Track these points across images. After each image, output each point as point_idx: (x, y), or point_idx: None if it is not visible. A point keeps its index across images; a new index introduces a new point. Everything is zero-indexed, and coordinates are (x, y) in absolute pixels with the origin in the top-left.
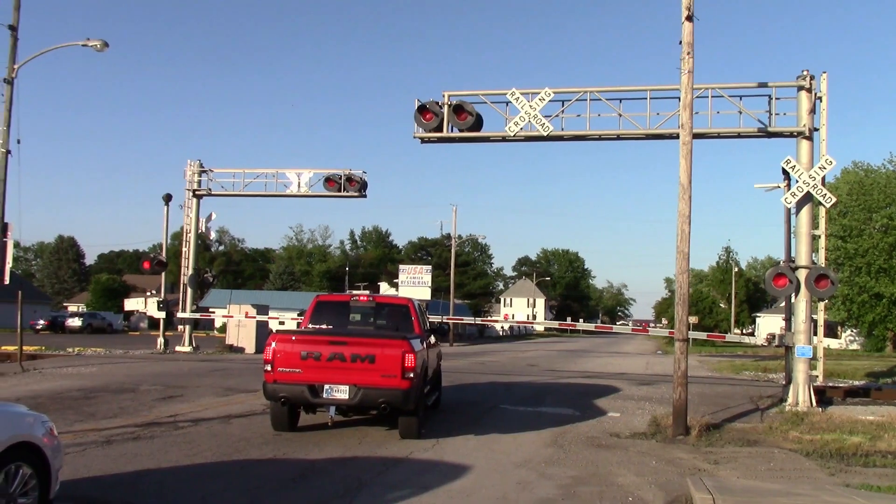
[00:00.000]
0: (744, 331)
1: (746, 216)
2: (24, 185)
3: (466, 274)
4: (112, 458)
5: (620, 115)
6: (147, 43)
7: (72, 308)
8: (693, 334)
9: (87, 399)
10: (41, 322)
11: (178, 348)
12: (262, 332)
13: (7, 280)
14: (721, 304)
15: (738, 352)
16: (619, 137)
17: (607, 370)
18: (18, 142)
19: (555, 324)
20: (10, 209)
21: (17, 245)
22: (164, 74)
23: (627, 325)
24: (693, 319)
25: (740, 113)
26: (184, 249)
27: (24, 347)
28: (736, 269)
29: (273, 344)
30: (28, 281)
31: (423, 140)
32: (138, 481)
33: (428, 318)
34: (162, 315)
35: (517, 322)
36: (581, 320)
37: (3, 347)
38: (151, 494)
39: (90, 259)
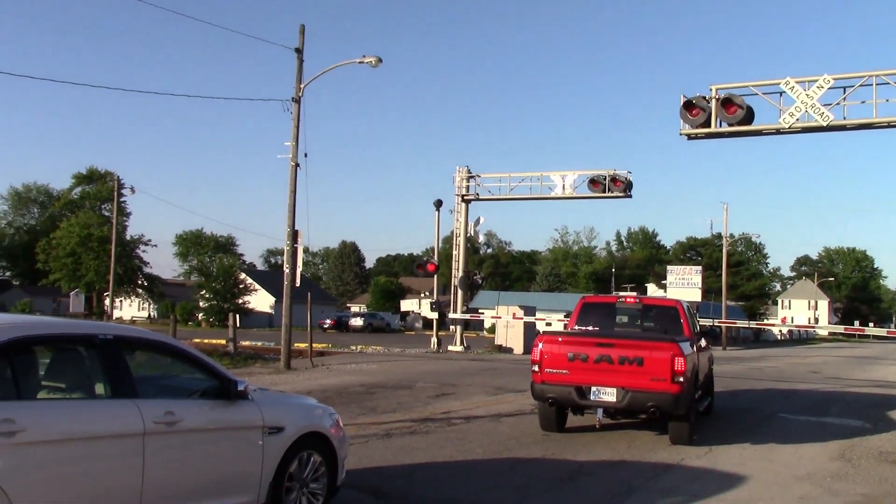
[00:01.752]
0: None
1: None
2: (311, 195)
3: (739, 275)
4: (391, 450)
5: None
6: (415, 57)
7: (354, 308)
8: None
9: (368, 394)
10: (328, 321)
11: (450, 347)
12: (530, 332)
13: (298, 283)
14: None
15: None
16: None
17: None
18: (305, 155)
19: (840, 328)
20: (300, 217)
21: (306, 250)
22: (433, 86)
23: None
24: None
25: None
26: (454, 253)
27: (314, 345)
28: None
29: (540, 345)
30: (316, 283)
31: (689, 137)
32: (414, 473)
33: (698, 320)
34: (435, 315)
35: (796, 326)
36: (871, 324)
37: (296, 344)
38: (427, 486)
39: (370, 262)
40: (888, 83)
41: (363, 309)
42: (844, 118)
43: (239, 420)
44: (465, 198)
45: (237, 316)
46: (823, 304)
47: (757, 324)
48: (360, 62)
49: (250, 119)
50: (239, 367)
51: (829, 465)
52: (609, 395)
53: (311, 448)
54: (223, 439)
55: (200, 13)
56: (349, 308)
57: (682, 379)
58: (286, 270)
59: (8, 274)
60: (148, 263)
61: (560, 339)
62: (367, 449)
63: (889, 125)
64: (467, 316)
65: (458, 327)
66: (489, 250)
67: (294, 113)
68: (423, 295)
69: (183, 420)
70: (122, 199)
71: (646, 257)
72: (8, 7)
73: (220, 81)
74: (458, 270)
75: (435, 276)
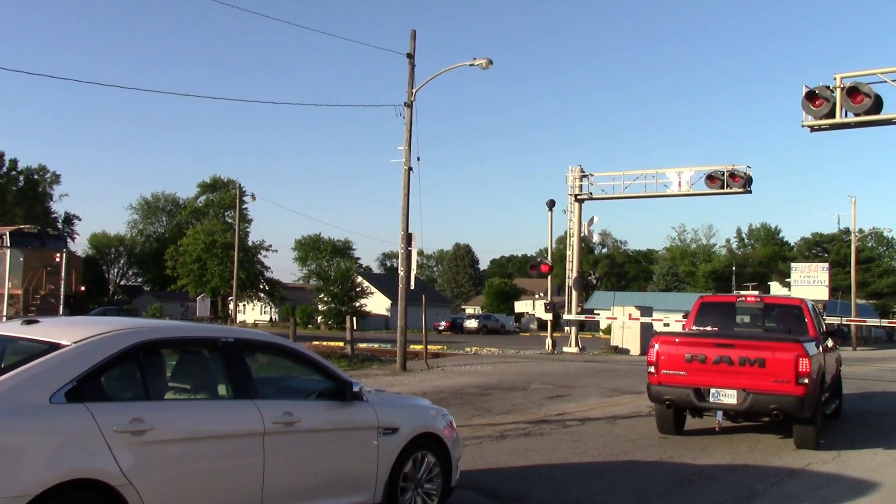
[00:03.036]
0: None
1: None
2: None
3: (870, 271)
4: (505, 451)
5: None
6: (524, 57)
7: (468, 310)
8: None
9: (482, 395)
10: (443, 323)
11: (565, 349)
12: (647, 333)
13: (413, 285)
14: None
15: None
16: None
17: None
18: (418, 159)
19: None
20: (413, 220)
21: (420, 253)
22: (544, 85)
23: None
24: None
25: None
26: (568, 253)
27: (429, 346)
28: None
29: (656, 346)
30: (430, 286)
31: (812, 128)
32: (529, 475)
33: (824, 319)
34: (549, 317)
35: None
36: None
37: (411, 346)
38: (542, 488)
39: (483, 264)
40: None
41: (478, 311)
42: None
43: (354, 420)
44: (579, 197)
45: (354, 318)
46: None
47: (889, 322)
48: (470, 64)
49: (365, 124)
50: (356, 368)
51: None
52: (729, 397)
53: (425, 449)
54: (339, 439)
55: (312, 21)
56: (464, 310)
57: (806, 380)
58: (401, 273)
59: (139, 280)
60: (269, 268)
61: (677, 340)
62: (481, 450)
63: None
64: (582, 317)
65: (573, 328)
66: (604, 250)
67: (406, 117)
68: (537, 296)
69: (301, 420)
70: (243, 206)
71: (768, 255)
72: (133, 28)
73: (334, 88)
74: (571, 271)
75: (549, 277)
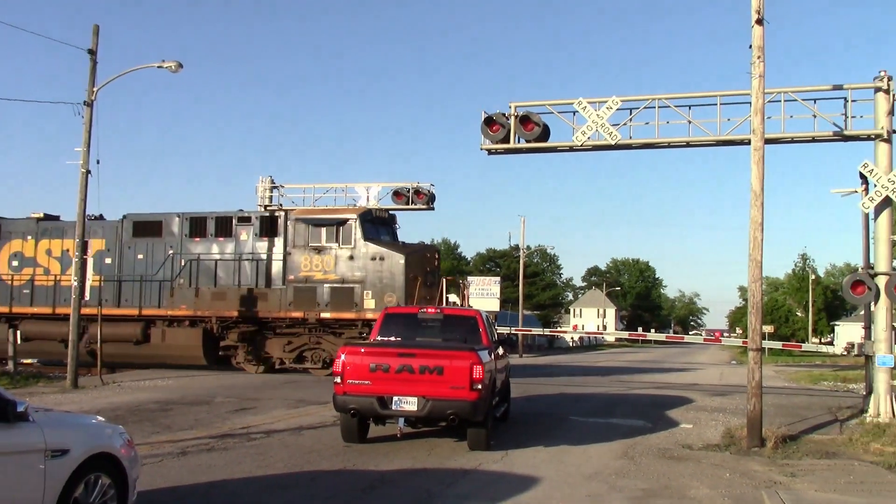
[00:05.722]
0: (822, 340)
1: (823, 222)
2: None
3: (535, 285)
4: (187, 468)
5: (690, 122)
6: (215, 63)
7: None
8: (768, 344)
9: (163, 411)
10: None
11: None
12: None
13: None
14: (798, 313)
15: (816, 361)
16: (688, 144)
17: (679, 381)
18: (98, 162)
19: (625, 334)
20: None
21: None
22: (235, 93)
23: (700, 335)
24: (769, 329)
25: (814, 116)
26: None
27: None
28: (813, 277)
29: (343, 356)
30: None
31: (490, 151)
32: (212, 491)
33: (496, 329)
34: None
35: (587, 333)
36: (652, 330)
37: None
38: None
39: None
40: (669, 106)
41: None
42: (631, 137)
43: (18, 444)
44: (269, 208)
45: (17, 332)
46: (611, 312)
47: (551, 331)
48: (159, 66)
49: (44, 124)
50: (20, 387)
51: (613, 463)
52: (411, 404)
53: (99, 470)
54: (1, 465)
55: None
56: None
57: (480, 386)
58: (74, 283)
59: None
60: None
61: (362, 350)
62: (161, 468)
63: (669, 145)
64: None
65: None
66: None
67: (86, 117)
68: None
69: None
70: None
71: (448, 268)
72: None
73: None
74: None
75: None
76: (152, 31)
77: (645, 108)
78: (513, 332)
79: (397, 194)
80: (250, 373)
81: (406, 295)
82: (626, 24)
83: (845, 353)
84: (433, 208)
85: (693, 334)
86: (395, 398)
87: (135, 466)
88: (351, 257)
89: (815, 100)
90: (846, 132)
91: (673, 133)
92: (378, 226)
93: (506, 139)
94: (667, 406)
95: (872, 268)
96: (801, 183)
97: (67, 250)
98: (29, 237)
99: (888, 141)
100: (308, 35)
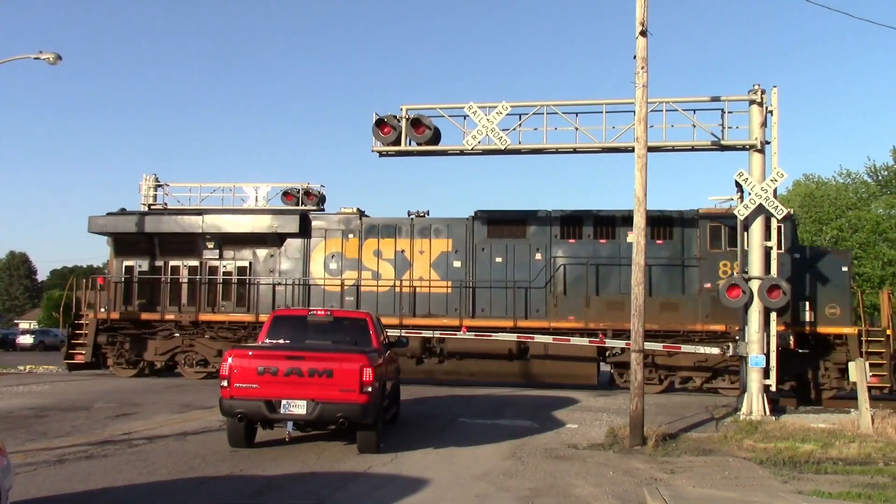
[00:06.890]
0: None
1: None
2: None
3: None
4: (64, 477)
5: (577, 129)
6: (99, 55)
7: (23, 325)
8: (649, 345)
9: (38, 417)
10: None
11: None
12: None
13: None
14: None
15: None
16: (575, 151)
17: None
18: None
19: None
20: None
21: None
22: (120, 86)
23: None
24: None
25: (694, 126)
26: None
27: None
28: None
29: (230, 359)
30: None
31: (381, 154)
32: (91, 500)
33: (386, 331)
34: None
35: (478, 335)
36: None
37: None
38: None
39: (42, 275)
40: (556, 113)
41: (34, 325)
42: (520, 143)
43: None
44: (152, 207)
45: None
46: None
47: (441, 333)
48: (35, 58)
49: None
50: None
51: (502, 463)
52: (299, 407)
53: None
54: None
55: None
56: (17, 325)
57: (370, 389)
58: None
59: None
60: None
61: (250, 353)
62: (35, 477)
63: (557, 151)
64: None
65: None
66: None
67: None
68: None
69: None
70: None
71: None
72: None
73: None
74: None
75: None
76: (29, 22)
77: (534, 114)
78: (404, 334)
79: (287, 195)
80: (140, 376)
81: None
82: (516, 31)
83: (722, 353)
84: (324, 209)
85: (577, 339)
86: (284, 402)
87: (7, 476)
88: None
89: (694, 110)
90: (723, 142)
91: (561, 139)
92: None
93: (397, 141)
94: (554, 407)
95: (747, 272)
96: (681, 190)
97: (402, 251)
98: (350, 236)
99: (761, 151)
100: (197, 26)
